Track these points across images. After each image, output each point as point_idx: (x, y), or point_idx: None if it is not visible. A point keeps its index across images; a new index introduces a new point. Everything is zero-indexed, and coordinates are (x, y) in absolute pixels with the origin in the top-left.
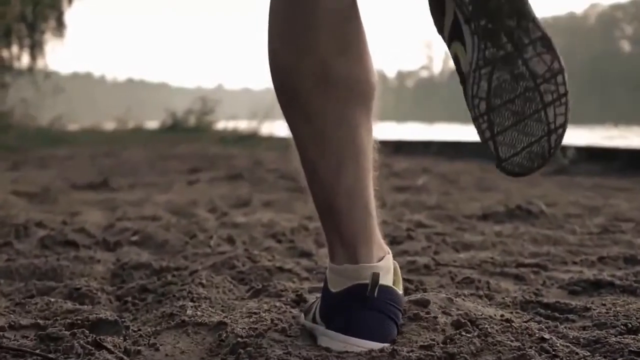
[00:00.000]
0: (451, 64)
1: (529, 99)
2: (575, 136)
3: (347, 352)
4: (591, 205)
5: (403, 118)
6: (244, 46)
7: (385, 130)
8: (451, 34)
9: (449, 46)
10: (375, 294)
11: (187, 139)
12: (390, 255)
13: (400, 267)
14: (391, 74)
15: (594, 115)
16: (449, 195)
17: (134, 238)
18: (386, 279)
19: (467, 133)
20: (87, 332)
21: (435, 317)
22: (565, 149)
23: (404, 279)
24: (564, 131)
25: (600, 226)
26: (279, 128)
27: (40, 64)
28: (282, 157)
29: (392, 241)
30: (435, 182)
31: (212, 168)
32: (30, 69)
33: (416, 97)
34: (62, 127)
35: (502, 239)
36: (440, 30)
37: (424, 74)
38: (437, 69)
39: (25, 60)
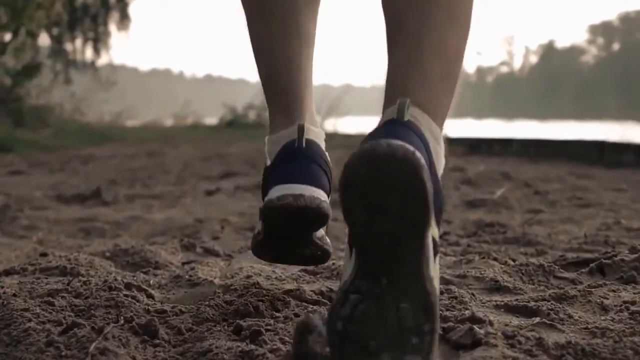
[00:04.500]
0: (532, 59)
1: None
2: None
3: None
4: None
5: (481, 115)
6: (323, 41)
7: (461, 127)
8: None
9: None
10: (304, 145)
11: (244, 136)
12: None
13: None
14: (471, 69)
15: None
16: (536, 214)
17: None
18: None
19: (552, 130)
20: None
21: None
22: None
23: None
24: None
25: None
26: (344, 125)
27: (104, 57)
28: (336, 156)
29: (444, 338)
30: (517, 193)
31: (249, 173)
32: (92, 63)
33: (495, 93)
34: (118, 123)
35: None
36: None
37: (504, 69)
38: (517, 64)
39: (88, 54)
